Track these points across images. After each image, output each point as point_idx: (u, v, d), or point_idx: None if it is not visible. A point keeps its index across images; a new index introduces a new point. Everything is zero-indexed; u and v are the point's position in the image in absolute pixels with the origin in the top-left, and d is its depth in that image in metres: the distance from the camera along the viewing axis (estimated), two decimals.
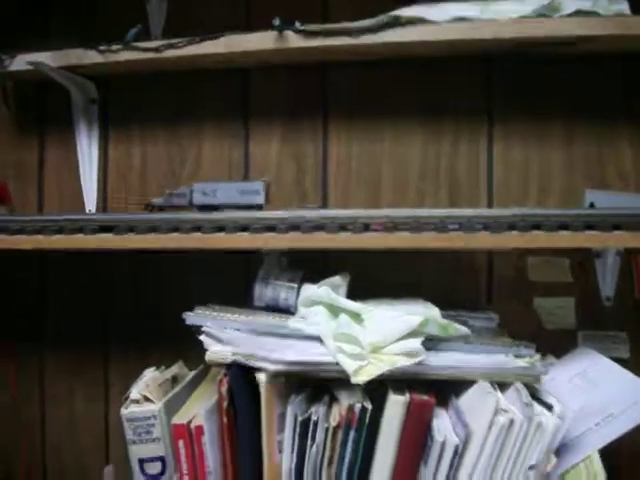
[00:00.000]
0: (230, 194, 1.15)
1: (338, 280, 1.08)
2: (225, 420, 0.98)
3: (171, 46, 1.19)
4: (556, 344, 1.16)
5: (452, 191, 1.25)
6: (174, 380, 1.15)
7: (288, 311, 1.11)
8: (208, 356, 1.00)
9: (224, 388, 0.97)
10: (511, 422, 0.90)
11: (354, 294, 1.09)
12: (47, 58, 1.24)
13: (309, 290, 1.07)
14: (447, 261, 1.22)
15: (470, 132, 1.24)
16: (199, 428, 0.99)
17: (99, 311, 1.37)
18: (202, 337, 1.03)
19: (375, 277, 1.18)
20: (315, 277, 1.11)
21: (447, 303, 1.08)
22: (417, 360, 0.93)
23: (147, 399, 1.06)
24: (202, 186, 1.17)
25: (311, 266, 1.16)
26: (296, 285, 1.11)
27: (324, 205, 1.27)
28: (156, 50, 1.19)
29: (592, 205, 1.19)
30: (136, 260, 1.27)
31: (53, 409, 1.40)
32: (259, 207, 1.14)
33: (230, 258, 1.23)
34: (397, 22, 1.11)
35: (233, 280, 1.28)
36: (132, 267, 1.34)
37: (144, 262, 1.29)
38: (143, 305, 1.35)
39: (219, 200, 1.16)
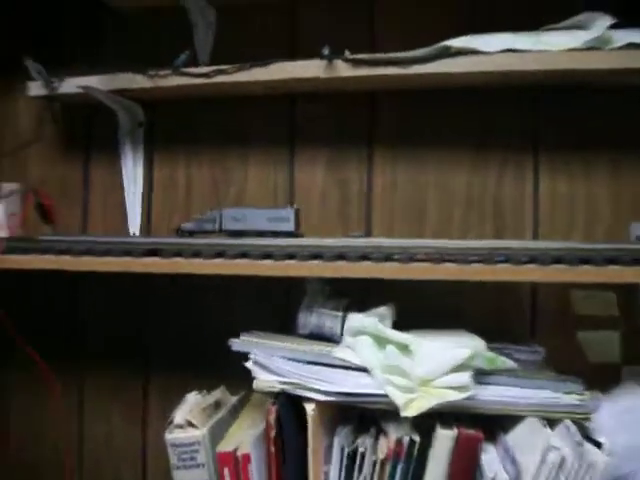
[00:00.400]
0: (259, 220, 1.16)
1: (384, 310, 1.08)
2: (273, 449, 0.98)
3: (221, 72, 1.20)
4: (600, 378, 1.14)
5: (497, 222, 1.24)
6: (217, 405, 1.15)
7: (332, 339, 1.11)
8: (256, 384, 1.00)
9: (272, 417, 0.97)
10: (562, 460, 0.89)
11: (397, 325, 1.09)
12: (96, 82, 1.26)
13: (355, 320, 1.07)
14: (491, 292, 1.21)
15: (516, 163, 1.23)
16: (246, 456, 0.99)
17: (139, 332, 1.38)
18: (249, 365, 1.03)
19: (417, 306, 1.17)
20: (360, 305, 1.11)
21: (490, 334, 1.07)
22: (467, 395, 0.93)
23: (191, 424, 1.07)
24: (231, 212, 1.17)
25: (354, 294, 1.16)
26: (341, 313, 1.11)
27: (368, 233, 1.27)
28: (206, 76, 1.20)
29: (638, 238, 1.18)
30: (177, 283, 1.28)
31: (91, 429, 1.41)
32: (288, 234, 1.15)
33: (270, 284, 1.22)
34: (447, 52, 1.11)
35: (272, 307, 1.28)
36: (173, 289, 1.34)
37: (186, 285, 1.29)
38: (183, 328, 1.36)
39: (248, 226, 1.16)
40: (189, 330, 1.35)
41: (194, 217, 1.21)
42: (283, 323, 1.18)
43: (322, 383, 0.96)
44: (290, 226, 1.15)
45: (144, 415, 1.38)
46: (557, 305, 1.22)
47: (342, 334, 1.09)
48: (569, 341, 1.21)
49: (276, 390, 0.98)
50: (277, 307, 1.28)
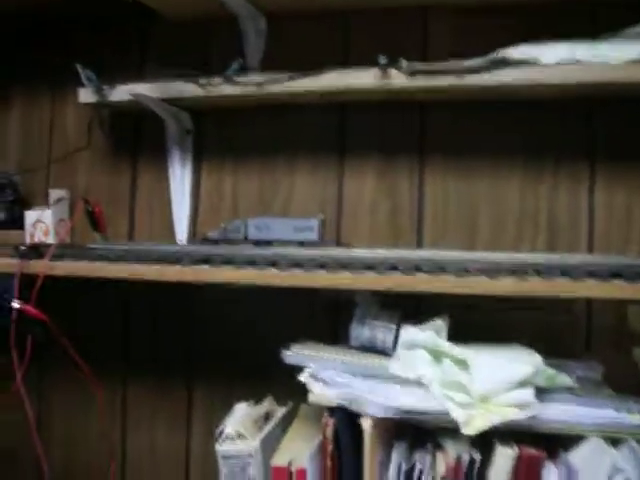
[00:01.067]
0: (284, 230, 1.16)
1: (440, 324, 1.06)
2: (329, 464, 0.96)
3: (274, 81, 1.19)
4: None
5: (551, 235, 1.22)
6: (267, 416, 1.14)
7: (384, 352, 1.09)
8: (312, 398, 0.99)
9: (329, 431, 0.96)
10: None
11: (449, 336, 1.07)
12: (146, 89, 1.26)
13: (411, 333, 1.05)
14: (546, 305, 1.19)
15: (570, 175, 1.21)
16: (301, 472, 0.97)
17: (184, 342, 1.38)
18: (303, 378, 1.01)
19: (469, 319, 1.15)
20: (412, 317, 1.10)
21: (545, 350, 1.05)
22: (530, 414, 0.91)
23: (241, 436, 1.06)
24: (257, 221, 1.18)
25: (406, 305, 1.14)
26: (394, 326, 1.09)
27: (419, 245, 1.26)
28: (259, 85, 1.19)
29: None
30: (221, 291, 1.26)
31: (135, 438, 1.41)
32: (313, 244, 1.15)
33: (315, 295, 1.21)
34: (504, 63, 1.10)
35: (320, 318, 1.27)
36: (217, 297, 1.33)
37: (230, 293, 1.27)
38: (228, 338, 1.35)
39: (273, 235, 1.17)
40: (234, 339, 1.34)
41: (220, 226, 1.22)
42: (328, 335, 1.16)
43: (379, 398, 0.95)
44: (314, 235, 1.16)
45: (188, 424, 1.38)
46: (613, 320, 1.19)
47: (395, 347, 1.08)
48: (626, 358, 1.18)
49: (333, 405, 0.97)
50: (325, 319, 1.26)
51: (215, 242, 1.21)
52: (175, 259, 1.11)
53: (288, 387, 1.04)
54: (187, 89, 1.25)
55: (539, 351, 1.02)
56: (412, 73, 1.13)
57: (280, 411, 1.18)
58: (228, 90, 1.22)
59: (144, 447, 1.40)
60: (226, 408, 1.17)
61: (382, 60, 1.11)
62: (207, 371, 1.37)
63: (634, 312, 1.19)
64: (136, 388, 1.41)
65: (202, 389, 1.37)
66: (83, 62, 1.28)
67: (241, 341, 1.33)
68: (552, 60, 1.09)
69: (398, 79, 1.13)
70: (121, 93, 1.28)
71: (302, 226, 1.16)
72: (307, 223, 1.16)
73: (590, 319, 1.21)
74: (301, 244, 1.16)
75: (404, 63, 1.12)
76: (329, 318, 1.27)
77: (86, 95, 1.30)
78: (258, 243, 1.18)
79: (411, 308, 1.16)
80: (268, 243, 1.17)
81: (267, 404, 1.18)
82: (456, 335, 1.07)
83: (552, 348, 1.10)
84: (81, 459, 1.44)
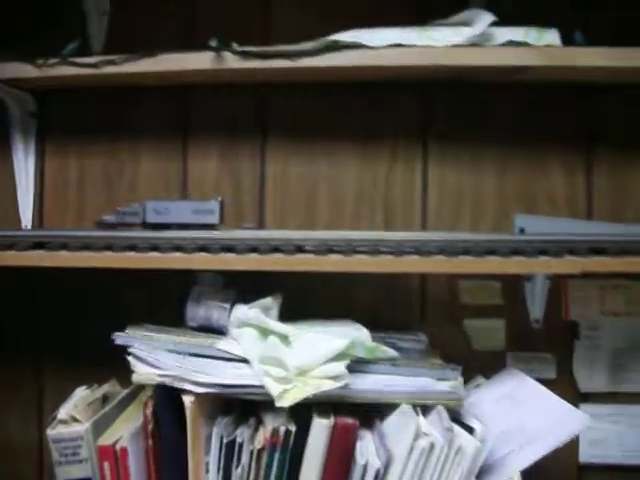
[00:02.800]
0: (184, 213, 1.14)
1: (269, 302, 1.09)
2: (150, 442, 0.98)
3: (109, 62, 1.18)
4: (486, 365, 1.19)
5: (387, 215, 1.26)
6: (105, 399, 1.14)
7: (221, 332, 1.11)
8: (135, 378, 1.00)
9: (149, 410, 0.97)
10: (431, 446, 0.92)
11: (286, 316, 1.10)
12: None
13: (240, 311, 1.07)
14: (381, 282, 1.24)
15: (406, 157, 1.26)
16: (124, 450, 0.98)
17: (32, 328, 1.35)
18: (130, 358, 1.02)
19: (308, 298, 1.18)
20: (249, 298, 1.12)
21: (379, 325, 1.10)
22: (342, 384, 0.95)
23: (75, 419, 1.05)
24: (155, 204, 1.15)
25: (246, 286, 1.16)
26: (228, 306, 1.11)
27: (261, 225, 1.27)
28: (94, 66, 1.18)
29: (522, 230, 1.22)
30: (69, 275, 1.24)
31: None
32: (212, 227, 1.13)
33: (168, 277, 1.21)
34: (336, 46, 1.12)
35: (169, 299, 1.27)
36: (65, 282, 1.31)
37: (78, 277, 1.25)
38: (76, 322, 1.33)
39: (172, 219, 1.14)
40: (82, 323, 1.32)
41: (116, 209, 1.18)
42: (179, 316, 1.17)
43: (200, 375, 0.97)
44: (215, 218, 1.14)
45: (39, 413, 1.35)
46: (445, 295, 1.25)
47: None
48: (456, 329, 1.25)
49: (154, 383, 0.98)
50: (175, 300, 1.26)
51: (112, 226, 1.17)
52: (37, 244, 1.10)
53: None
54: (24, 70, 1.21)
55: (374, 326, 1.07)
56: (245, 55, 1.14)
57: (120, 394, 1.18)
58: (65, 71, 1.19)
59: None
60: None
61: (213, 42, 1.12)
62: (57, 358, 1.34)
63: (465, 286, 1.25)
64: None
65: (52, 374, 1.35)
66: None
67: (91, 324, 1.31)
68: (380, 44, 1.12)
69: (232, 62, 1.14)
70: None
71: (202, 209, 1.14)
72: (207, 206, 1.14)
73: (424, 293, 1.26)
74: (202, 227, 1.13)
75: (236, 46, 1.13)
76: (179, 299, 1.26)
77: None
78: (157, 227, 1.14)
79: (253, 289, 1.17)
80: (167, 227, 1.14)
81: (107, 387, 1.18)
82: (296, 314, 1.10)
83: (387, 323, 1.16)
84: None
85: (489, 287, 1.24)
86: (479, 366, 1.18)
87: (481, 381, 1.16)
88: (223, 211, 1.16)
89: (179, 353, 1.03)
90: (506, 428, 1.05)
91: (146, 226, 1.15)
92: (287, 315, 1.10)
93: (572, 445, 1.19)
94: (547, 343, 1.24)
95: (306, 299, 1.17)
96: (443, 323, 1.25)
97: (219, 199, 1.15)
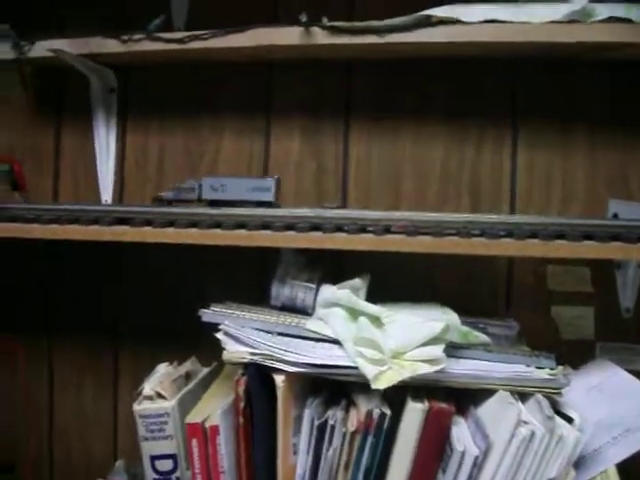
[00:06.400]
0: (240, 190, 1.13)
1: (358, 283, 1.06)
2: (241, 421, 0.96)
3: (195, 38, 1.16)
4: (573, 354, 1.14)
5: (474, 197, 1.23)
6: (187, 376, 1.14)
7: (305, 312, 1.09)
8: (225, 355, 0.98)
9: (241, 389, 0.96)
10: (532, 434, 0.88)
11: (370, 296, 1.07)
12: (67, 45, 1.22)
13: (328, 291, 1.05)
14: (467, 266, 1.20)
15: (494, 137, 1.22)
16: (214, 428, 0.97)
17: (110, 303, 1.36)
18: (219, 335, 1.01)
19: (393, 280, 1.16)
20: (334, 277, 1.10)
21: (465, 309, 1.07)
22: (439, 368, 0.92)
23: (160, 395, 1.05)
24: (211, 181, 1.14)
25: (329, 266, 1.14)
26: (314, 285, 1.09)
27: (344, 205, 1.25)
28: (180, 41, 1.17)
29: (615, 216, 1.17)
30: (150, 253, 1.24)
31: (62, 400, 1.39)
32: (269, 204, 1.12)
33: (245, 255, 1.20)
34: (428, 22, 1.09)
35: (248, 278, 1.26)
36: (145, 260, 1.31)
37: (158, 255, 1.26)
38: (155, 299, 1.33)
39: (228, 196, 1.13)
40: (160, 301, 1.32)
41: (173, 186, 1.17)
42: (258, 295, 1.16)
43: (292, 354, 0.95)
44: (270, 196, 1.12)
45: (115, 386, 1.36)
46: (533, 280, 1.22)
47: (315, 306, 1.08)
48: (543, 317, 1.21)
49: (246, 361, 0.97)
50: (252, 278, 1.25)
51: (169, 202, 1.16)
52: (120, 219, 1.11)
53: (215, 348, 1.03)
54: (108, 45, 1.21)
55: (460, 310, 1.04)
56: (334, 31, 1.11)
57: (202, 371, 1.17)
58: (149, 46, 1.19)
59: (71, 410, 1.38)
60: (152, 370, 1.16)
61: (303, 18, 1.10)
62: (135, 333, 1.35)
63: (553, 272, 1.21)
64: (62, 352, 1.38)
65: (129, 350, 1.36)
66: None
67: (169, 302, 1.32)
68: (474, 19, 1.09)
69: (320, 37, 1.12)
70: (40, 49, 1.24)
71: (258, 186, 1.13)
72: (264, 183, 1.13)
73: (511, 279, 1.23)
74: (257, 204, 1.12)
75: (325, 21, 1.11)
76: (260, 279, 1.25)
77: (4, 52, 1.26)
78: (213, 203, 1.14)
79: (335, 269, 1.15)
80: (223, 203, 1.13)
81: (189, 364, 1.17)
82: (380, 295, 1.07)
83: (473, 307, 1.12)
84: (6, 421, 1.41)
85: (579, 273, 1.20)
86: (566, 355, 1.14)
87: (570, 371, 1.12)
88: (280, 189, 1.14)
89: (268, 332, 1.01)
90: (598, 420, 1.01)
91: (201, 202, 1.14)
92: (370, 296, 1.08)
93: None
94: (638, 333, 1.19)
95: (390, 281, 1.14)
96: (529, 310, 1.21)
97: (275, 177, 1.14)
